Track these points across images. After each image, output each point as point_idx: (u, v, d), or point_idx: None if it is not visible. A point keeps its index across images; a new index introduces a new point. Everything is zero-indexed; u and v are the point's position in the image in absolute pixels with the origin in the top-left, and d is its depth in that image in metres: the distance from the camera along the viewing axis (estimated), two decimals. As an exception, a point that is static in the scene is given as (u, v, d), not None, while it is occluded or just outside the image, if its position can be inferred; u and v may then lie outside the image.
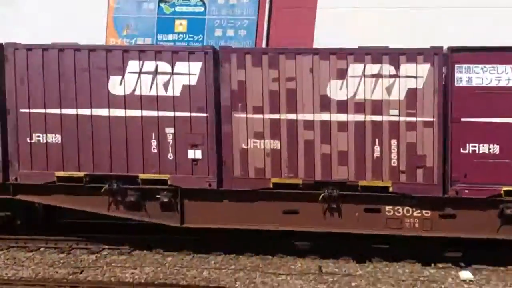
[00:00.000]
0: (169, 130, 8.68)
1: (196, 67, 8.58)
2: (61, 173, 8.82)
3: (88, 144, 8.78)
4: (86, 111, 8.75)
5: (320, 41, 11.69)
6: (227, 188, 8.73)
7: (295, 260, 9.03)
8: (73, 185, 8.84)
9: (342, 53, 8.42)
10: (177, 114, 8.64)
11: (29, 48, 8.76)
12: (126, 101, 8.69)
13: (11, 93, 8.80)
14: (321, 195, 8.54)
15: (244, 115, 8.60)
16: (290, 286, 7.92)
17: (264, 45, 12.49)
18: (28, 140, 8.84)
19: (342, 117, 8.46)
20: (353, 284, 8.00)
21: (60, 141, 8.80)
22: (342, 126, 8.46)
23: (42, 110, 8.79)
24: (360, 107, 8.41)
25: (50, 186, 8.90)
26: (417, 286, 7.96)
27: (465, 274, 8.36)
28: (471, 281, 8.18)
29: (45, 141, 8.82)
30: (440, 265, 8.85)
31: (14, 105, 8.80)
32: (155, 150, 8.72)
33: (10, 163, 8.86)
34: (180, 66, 8.59)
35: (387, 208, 8.66)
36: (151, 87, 8.64)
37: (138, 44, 8.81)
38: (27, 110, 8.80)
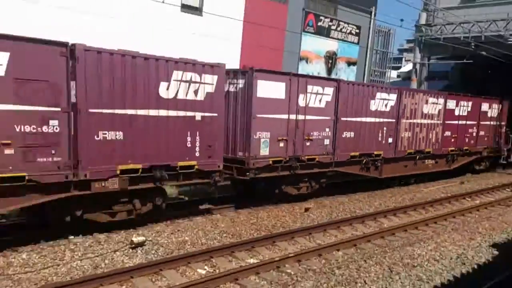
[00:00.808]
0: (385, 128, 17.18)
1: (393, 97, 17.41)
2: (355, 153, 15.83)
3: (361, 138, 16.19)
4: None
5: None
6: (397, 156, 18.03)
7: None
8: (358, 160, 16.04)
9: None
10: (387, 120, 17.26)
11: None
12: (375, 114, 16.58)
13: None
14: (417, 157, 19.17)
15: (404, 120, 18.13)
16: None
17: None
18: (343, 136, 15.35)
19: (424, 121, 19.31)
20: None
21: (353, 136, 15.80)
22: (425, 125, 19.31)
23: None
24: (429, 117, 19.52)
25: (345, 161, 15.70)
26: None
27: None
28: None
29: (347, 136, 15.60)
30: None
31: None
32: (380, 139, 17.04)
33: (335, 148, 15.14)
34: (388, 95, 17.22)
35: (429, 160, 20.16)
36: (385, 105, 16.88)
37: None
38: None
